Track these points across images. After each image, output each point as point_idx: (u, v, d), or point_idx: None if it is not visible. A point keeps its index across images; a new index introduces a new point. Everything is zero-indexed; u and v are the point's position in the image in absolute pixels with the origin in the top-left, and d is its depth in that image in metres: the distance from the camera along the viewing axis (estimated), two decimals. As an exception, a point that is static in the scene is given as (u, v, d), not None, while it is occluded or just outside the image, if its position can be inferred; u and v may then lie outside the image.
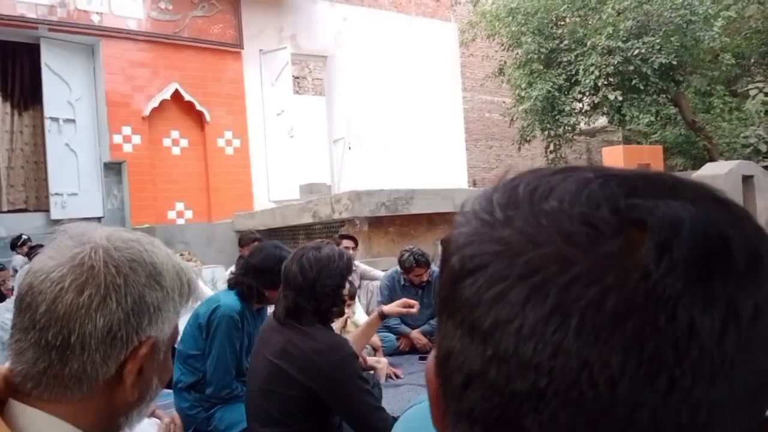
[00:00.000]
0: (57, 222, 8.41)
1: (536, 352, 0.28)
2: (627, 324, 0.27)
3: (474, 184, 14.93)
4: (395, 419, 2.20)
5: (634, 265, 0.27)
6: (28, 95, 8.53)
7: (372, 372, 3.47)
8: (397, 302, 2.71)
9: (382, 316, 2.63)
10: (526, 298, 0.28)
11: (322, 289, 2.02)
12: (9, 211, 8.30)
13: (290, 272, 2.07)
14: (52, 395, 0.72)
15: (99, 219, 8.62)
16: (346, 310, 3.32)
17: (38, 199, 8.51)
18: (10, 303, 3.60)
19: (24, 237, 7.05)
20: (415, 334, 4.57)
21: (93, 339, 0.71)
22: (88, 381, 0.72)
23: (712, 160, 11.37)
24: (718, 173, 8.30)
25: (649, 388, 0.26)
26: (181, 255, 6.71)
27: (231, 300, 2.78)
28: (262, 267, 2.69)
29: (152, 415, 1.78)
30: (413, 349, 4.53)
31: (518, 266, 0.29)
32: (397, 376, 3.93)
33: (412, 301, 2.69)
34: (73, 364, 0.71)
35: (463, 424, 0.32)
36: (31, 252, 6.62)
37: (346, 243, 4.67)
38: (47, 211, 8.36)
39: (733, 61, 11.64)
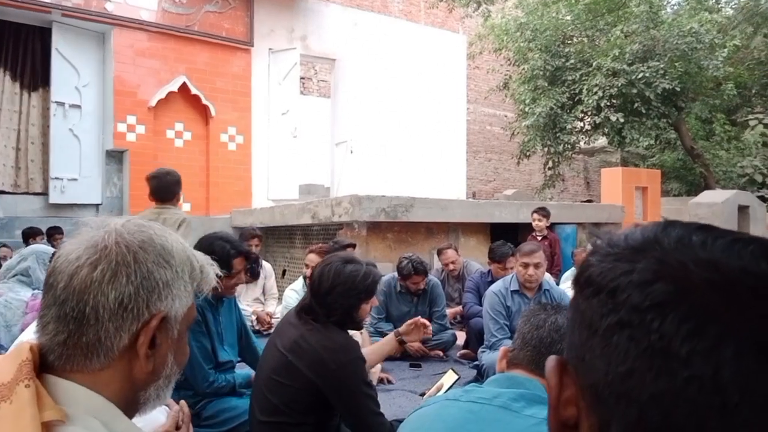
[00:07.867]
0: (54, 206, 8.44)
1: None
2: None
3: (473, 195, 15.01)
4: (392, 423, 2.24)
5: None
6: (38, 77, 8.54)
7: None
8: (409, 323, 2.63)
9: (402, 341, 2.60)
10: None
11: (333, 303, 2.05)
12: (9, 193, 8.28)
13: (313, 273, 2.13)
14: (74, 365, 0.78)
15: (97, 206, 8.63)
16: None
17: (45, 182, 8.49)
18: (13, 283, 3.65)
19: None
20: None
21: (106, 310, 0.78)
22: (105, 351, 0.78)
23: (708, 187, 11.50)
24: (715, 201, 8.39)
25: None
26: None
27: None
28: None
29: (162, 402, 1.82)
30: (405, 356, 4.56)
31: None
32: (389, 381, 3.97)
33: (424, 320, 2.66)
34: (89, 334, 0.78)
35: None
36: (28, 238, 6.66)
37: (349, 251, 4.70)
38: (47, 194, 8.36)
39: (735, 91, 11.80)
